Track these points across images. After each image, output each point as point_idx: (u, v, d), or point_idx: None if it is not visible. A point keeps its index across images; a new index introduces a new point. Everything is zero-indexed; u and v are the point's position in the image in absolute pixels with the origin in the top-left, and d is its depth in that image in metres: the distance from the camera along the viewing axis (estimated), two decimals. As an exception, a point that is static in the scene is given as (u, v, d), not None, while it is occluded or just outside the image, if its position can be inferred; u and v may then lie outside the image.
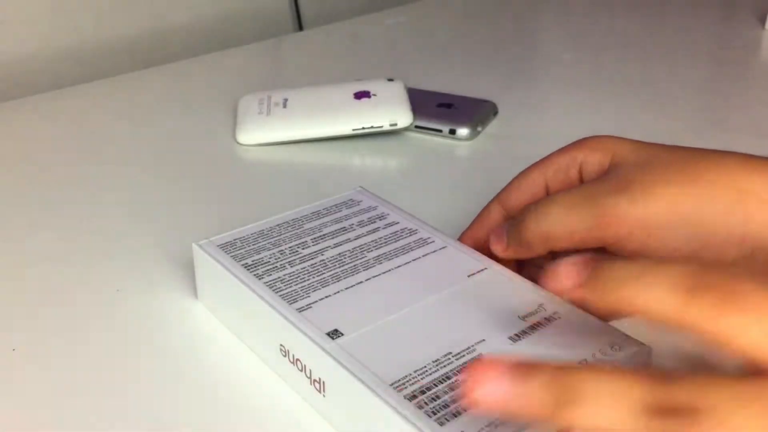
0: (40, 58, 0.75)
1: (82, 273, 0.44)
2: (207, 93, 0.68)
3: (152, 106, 0.66)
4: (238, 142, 0.58)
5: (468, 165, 0.56)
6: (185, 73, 0.73)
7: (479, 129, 0.60)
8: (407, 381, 0.30)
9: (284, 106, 0.60)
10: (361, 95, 0.59)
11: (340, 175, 0.54)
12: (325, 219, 0.41)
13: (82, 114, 0.64)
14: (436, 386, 0.30)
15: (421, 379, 0.30)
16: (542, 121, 0.62)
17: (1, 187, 0.53)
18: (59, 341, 0.38)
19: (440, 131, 0.59)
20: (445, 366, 0.31)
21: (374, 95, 0.59)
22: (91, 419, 0.34)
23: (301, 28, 0.92)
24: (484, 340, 0.32)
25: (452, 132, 0.58)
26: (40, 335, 0.39)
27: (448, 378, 0.30)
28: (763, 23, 0.83)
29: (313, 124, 0.58)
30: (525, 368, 0.26)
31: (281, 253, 0.38)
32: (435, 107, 0.61)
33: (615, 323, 0.33)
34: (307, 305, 0.35)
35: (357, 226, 0.41)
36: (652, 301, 0.26)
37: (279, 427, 0.33)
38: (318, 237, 0.40)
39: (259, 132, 0.58)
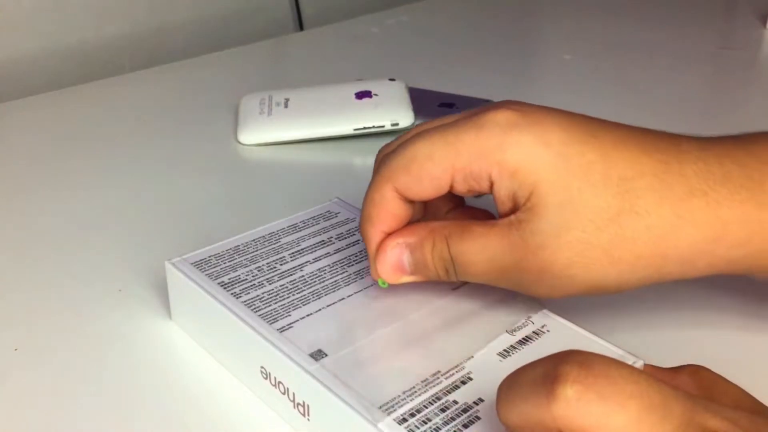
0: (40, 58, 0.75)
1: (83, 273, 0.43)
2: (207, 93, 0.68)
3: (152, 106, 0.65)
4: (239, 142, 0.58)
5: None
6: (185, 73, 0.72)
7: (481, 129, 0.59)
8: (396, 403, 0.29)
9: (285, 106, 0.60)
10: (362, 95, 0.59)
11: (342, 176, 0.54)
12: (303, 232, 0.40)
13: (82, 114, 0.64)
14: (426, 408, 0.29)
15: (411, 400, 0.29)
16: (543, 121, 0.62)
17: (1, 188, 0.53)
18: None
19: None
20: (434, 386, 0.30)
21: (375, 95, 0.59)
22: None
23: (301, 28, 0.92)
24: (472, 356, 0.32)
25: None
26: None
27: (438, 399, 0.29)
28: (763, 23, 0.83)
29: (315, 124, 0.58)
30: (415, 241, 0.33)
31: (259, 270, 0.37)
32: (436, 107, 0.61)
33: (607, 337, 0.33)
34: (288, 325, 0.33)
35: (336, 239, 0.39)
36: (523, 415, 0.24)
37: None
38: (296, 252, 0.38)
39: (260, 132, 0.58)
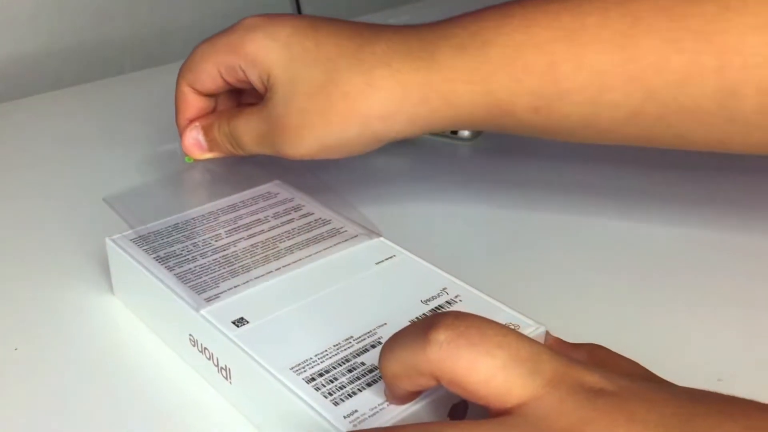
0: (40, 58, 0.75)
1: (81, 272, 0.43)
2: (208, 93, 0.68)
3: (152, 106, 0.65)
4: (239, 143, 0.58)
5: (470, 165, 0.56)
6: (186, 73, 0.72)
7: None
8: (307, 364, 0.31)
9: (285, 106, 0.59)
10: (362, 95, 0.59)
11: (341, 176, 0.54)
12: (241, 211, 0.42)
13: (82, 114, 0.64)
14: (335, 368, 0.31)
15: (321, 362, 0.31)
16: (544, 121, 0.62)
17: (1, 188, 0.53)
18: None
19: (442, 132, 0.59)
20: (345, 349, 0.32)
21: (376, 95, 0.59)
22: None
23: (301, 28, 0.91)
24: (385, 324, 0.34)
25: (454, 132, 0.58)
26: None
27: (347, 361, 0.31)
28: (764, 24, 0.83)
29: (315, 125, 0.58)
30: (207, 124, 0.44)
31: (194, 246, 0.39)
32: (436, 107, 0.61)
33: (512, 304, 0.34)
34: (215, 295, 0.35)
35: (272, 217, 0.41)
36: (401, 361, 0.26)
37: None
38: (232, 229, 0.40)
39: (260, 132, 0.58)
